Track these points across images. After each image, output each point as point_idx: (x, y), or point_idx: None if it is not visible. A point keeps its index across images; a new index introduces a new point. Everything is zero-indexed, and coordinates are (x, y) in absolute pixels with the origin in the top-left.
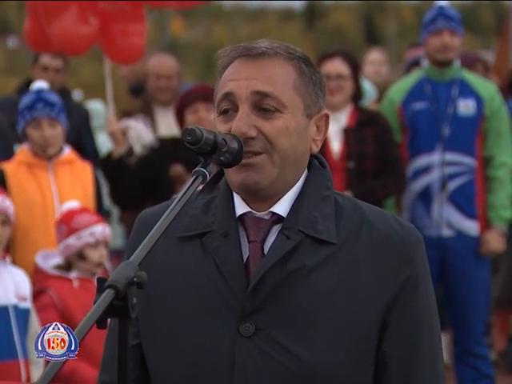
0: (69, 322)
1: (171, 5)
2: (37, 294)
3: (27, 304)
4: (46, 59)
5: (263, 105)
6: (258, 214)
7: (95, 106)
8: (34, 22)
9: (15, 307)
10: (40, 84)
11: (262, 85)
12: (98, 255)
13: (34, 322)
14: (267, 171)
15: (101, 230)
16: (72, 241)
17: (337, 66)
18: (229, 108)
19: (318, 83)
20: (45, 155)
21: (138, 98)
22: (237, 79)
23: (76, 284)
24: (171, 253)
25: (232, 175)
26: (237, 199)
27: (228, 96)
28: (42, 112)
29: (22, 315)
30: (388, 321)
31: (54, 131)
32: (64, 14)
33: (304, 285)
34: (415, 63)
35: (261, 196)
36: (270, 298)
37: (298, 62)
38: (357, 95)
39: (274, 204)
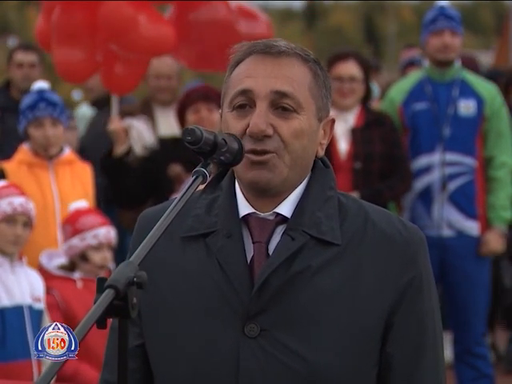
0: (72, 322)
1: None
2: None
3: (41, 305)
4: (19, 55)
5: (282, 104)
6: (262, 215)
7: (84, 111)
8: (47, 20)
9: (30, 307)
10: (41, 84)
11: (281, 84)
12: (100, 258)
13: (47, 323)
14: (279, 170)
15: (105, 232)
16: (75, 242)
17: (350, 69)
18: (245, 103)
19: (328, 88)
20: (46, 155)
21: (102, 112)
22: (255, 76)
23: (79, 284)
24: (174, 253)
25: (243, 172)
26: (240, 199)
27: (246, 93)
28: (44, 112)
29: (36, 316)
30: (392, 321)
31: (56, 131)
32: (73, 45)
33: (308, 286)
34: (410, 63)
35: (269, 194)
36: (275, 298)
37: (313, 65)
38: (366, 97)
39: (279, 204)
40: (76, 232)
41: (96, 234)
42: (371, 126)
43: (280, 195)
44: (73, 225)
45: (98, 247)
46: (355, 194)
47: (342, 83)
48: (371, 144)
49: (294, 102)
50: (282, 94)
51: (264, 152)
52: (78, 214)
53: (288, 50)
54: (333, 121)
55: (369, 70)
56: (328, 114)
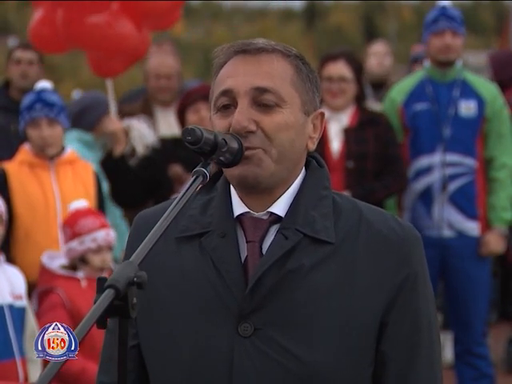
0: (78, 320)
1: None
2: (44, 294)
3: (23, 302)
4: (18, 53)
5: (263, 100)
6: (256, 214)
7: None
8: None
9: (10, 306)
10: (43, 84)
11: (261, 80)
12: (100, 260)
13: (31, 320)
14: (265, 164)
15: (104, 235)
16: (74, 245)
17: (339, 69)
18: (228, 104)
19: (314, 82)
20: (45, 155)
21: None
22: (235, 75)
23: (84, 283)
24: (169, 253)
25: (230, 169)
26: (235, 199)
27: (227, 93)
28: (40, 112)
29: (18, 314)
30: (387, 320)
31: (53, 131)
32: None
33: (302, 284)
34: (414, 60)
35: (259, 190)
36: (269, 297)
37: (295, 59)
38: (360, 96)
39: (272, 203)
40: (75, 235)
41: (95, 238)
42: (365, 126)
43: (271, 192)
44: (72, 227)
45: (98, 250)
46: (347, 193)
47: (331, 83)
48: (365, 143)
49: (275, 96)
50: (263, 90)
51: (249, 148)
52: (77, 215)
53: (267, 46)
54: (322, 114)
55: (361, 70)
56: (316, 109)
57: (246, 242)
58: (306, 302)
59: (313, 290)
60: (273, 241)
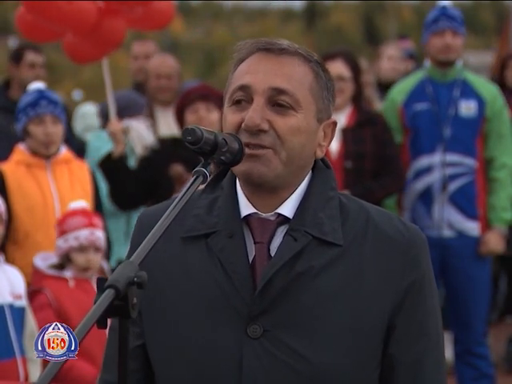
0: (64, 321)
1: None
2: (33, 294)
3: (22, 302)
4: (31, 56)
5: (279, 100)
6: (264, 215)
7: (89, 109)
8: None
9: (11, 306)
10: (38, 85)
11: (280, 81)
12: (83, 260)
13: (30, 319)
14: (273, 164)
15: (87, 234)
16: (60, 243)
17: (338, 68)
18: (242, 99)
19: (330, 90)
20: (46, 152)
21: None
22: (255, 72)
23: (72, 284)
24: (175, 253)
25: (237, 165)
26: (241, 200)
27: (244, 88)
28: (45, 109)
29: (18, 314)
30: (395, 322)
31: (57, 129)
32: None
33: (311, 286)
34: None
35: (265, 189)
36: (278, 299)
37: (315, 66)
38: (357, 96)
39: (280, 204)
40: (62, 233)
41: (77, 236)
42: (363, 126)
43: (278, 193)
44: (60, 226)
45: (81, 249)
46: (346, 193)
47: None
48: (362, 143)
49: (292, 99)
50: (280, 91)
51: (259, 147)
52: (68, 214)
53: (290, 48)
54: (334, 123)
55: (358, 69)
56: (329, 117)
57: (254, 242)
58: (314, 305)
59: (321, 292)
60: (282, 242)
